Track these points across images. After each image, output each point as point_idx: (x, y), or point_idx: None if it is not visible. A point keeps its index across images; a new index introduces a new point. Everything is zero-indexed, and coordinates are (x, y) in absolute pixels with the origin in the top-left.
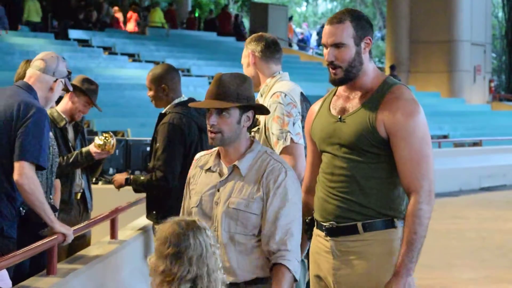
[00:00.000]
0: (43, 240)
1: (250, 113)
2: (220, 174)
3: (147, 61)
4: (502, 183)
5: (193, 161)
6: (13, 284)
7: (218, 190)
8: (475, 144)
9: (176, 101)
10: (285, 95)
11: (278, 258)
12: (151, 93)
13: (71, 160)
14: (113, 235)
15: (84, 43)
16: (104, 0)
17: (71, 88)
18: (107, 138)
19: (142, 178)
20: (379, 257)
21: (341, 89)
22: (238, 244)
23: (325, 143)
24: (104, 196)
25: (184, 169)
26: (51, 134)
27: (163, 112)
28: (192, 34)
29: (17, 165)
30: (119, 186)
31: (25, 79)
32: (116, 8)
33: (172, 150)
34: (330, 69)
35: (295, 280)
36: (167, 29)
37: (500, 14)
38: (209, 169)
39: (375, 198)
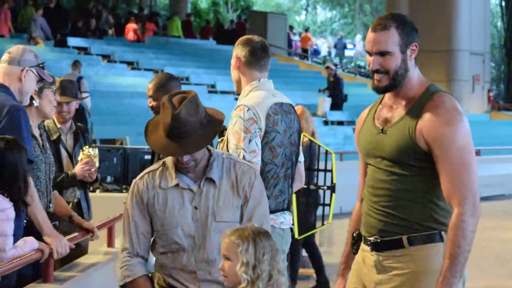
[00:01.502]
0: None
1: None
2: (191, 190)
3: (146, 69)
4: (501, 193)
5: (139, 183)
6: None
7: (196, 208)
8: None
9: None
10: (248, 109)
11: None
12: (154, 103)
13: (57, 180)
14: (110, 243)
15: (83, 50)
16: (102, 8)
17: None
18: (85, 152)
19: None
20: (423, 273)
21: (386, 97)
22: None
23: (369, 156)
24: (102, 204)
25: None
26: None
27: None
28: (191, 42)
29: None
30: None
31: None
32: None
33: None
34: (375, 76)
35: None
36: (167, 37)
37: (499, 23)
38: (176, 186)
39: (419, 211)
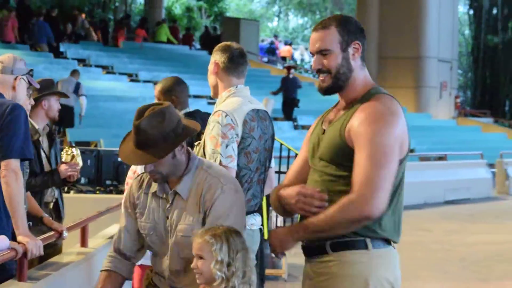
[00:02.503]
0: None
1: (183, 143)
2: (167, 200)
3: (120, 73)
4: (466, 197)
5: (134, 182)
6: None
7: (168, 218)
8: (440, 158)
9: (183, 112)
10: (226, 115)
11: None
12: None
13: (39, 182)
14: (84, 243)
15: (59, 55)
16: (78, 13)
17: (36, 85)
18: (67, 152)
19: None
20: (343, 278)
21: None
22: (189, 268)
23: (311, 157)
24: (75, 205)
25: None
26: None
27: None
28: (165, 47)
29: (3, 163)
30: None
31: None
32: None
33: None
34: (319, 77)
35: None
36: (141, 42)
37: (467, 31)
38: (155, 193)
39: None
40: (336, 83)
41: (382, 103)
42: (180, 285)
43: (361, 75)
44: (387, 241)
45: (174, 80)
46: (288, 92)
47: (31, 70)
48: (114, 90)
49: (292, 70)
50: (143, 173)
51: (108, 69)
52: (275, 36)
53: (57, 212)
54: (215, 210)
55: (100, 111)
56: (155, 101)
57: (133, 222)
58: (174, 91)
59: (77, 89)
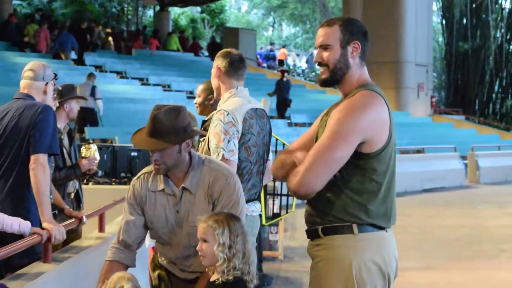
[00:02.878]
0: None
1: (189, 140)
2: (175, 196)
3: (132, 78)
4: (442, 185)
5: (135, 183)
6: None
7: (178, 212)
8: (418, 151)
9: None
10: (228, 114)
11: None
12: (199, 100)
13: (63, 176)
14: (101, 228)
15: (78, 62)
16: (95, 25)
17: (59, 87)
18: (87, 148)
19: None
20: (329, 262)
21: None
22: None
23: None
24: (94, 195)
25: None
26: None
27: (206, 119)
28: (172, 54)
29: (33, 157)
30: None
31: (20, 91)
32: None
33: None
34: (320, 69)
35: None
36: (153, 50)
37: (440, 39)
38: (162, 191)
39: (335, 204)
40: (333, 76)
41: (361, 97)
42: (190, 268)
43: (357, 73)
44: (376, 226)
45: None
46: (282, 93)
47: (56, 75)
48: (127, 93)
49: (286, 74)
50: (143, 173)
51: (121, 74)
52: (272, 44)
53: (77, 201)
54: (223, 199)
55: (115, 112)
56: (197, 97)
57: (139, 217)
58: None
59: (93, 92)
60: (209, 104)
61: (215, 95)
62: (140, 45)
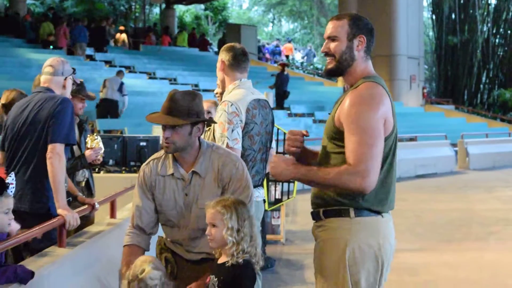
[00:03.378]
0: (52, 219)
1: (200, 125)
2: (184, 180)
3: (140, 72)
4: (434, 172)
5: (145, 168)
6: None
7: (186, 195)
8: (411, 139)
9: None
10: (231, 104)
11: None
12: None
13: (69, 166)
14: (113, 214)
15: (89, 57)
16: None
17: (78, 81)
18: (92, 139)
19: None
20: (326, 242)
21: None
22: (204, 235)
23: (323, 135)
24: (105, 183)
25: None
26: None
27: None
28: (178, 49)
29: (50, 147)
30: None
31: (41, 85)
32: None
33: None
34: (327, 60)
35: None
36: (160, 46)
37: (431, 33)
38: (172, 175)
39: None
40: (338, 67)
41: (366, 88)
42: (196, 249)
43: (362, 66)
44: (372, 211)
45: None
46: (282, 85)
47: (74, 69)
48: (135, 86)
49: (286, 67)
50: (153, 159)
51: (130, 69)
52: (278, 40)
53: (88, 190)
54: (233, 183)
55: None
56: (217, 89)
57: (150, 202)
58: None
59: (121, 88)
60: None
61: (220, 87)
62: (152, 42)
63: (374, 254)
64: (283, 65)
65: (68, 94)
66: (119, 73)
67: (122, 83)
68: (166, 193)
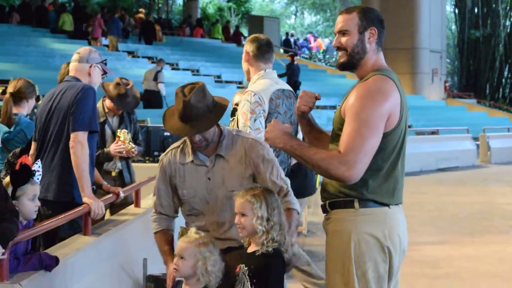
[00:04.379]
0: (78, 208)
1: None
2: (205, 165)
3: (165, 63)
4: (455, 165)
5: (163, 158)
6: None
7: (209, 179)
8: (433, 133)
9: None
10: (254, 94)
11: (289, 204)
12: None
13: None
14: (137, 203)
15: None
16: (124, 13)
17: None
18: (118, 134)
19: None
20: (332, 235)
21: None
22: (232, 220)
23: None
24: None
25: None
26: None
27: None
28: (201, 41)
29: (72, 135)
30: None
31: (69, 74)
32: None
33: None
34: (338, 54)
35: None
36: (181, 36)
37: (453, 27)
38: (192, 162)
39: None
40: (350, 60)
41: (374, 82)
42: (224, 235)
43: (373, 58)
44: (378, 202)
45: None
46: (293, 76)
47: (105, 59)
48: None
49: (295, 57)
50: (171, 149)
51: (153, 60)
52: (311, 33)
53: (121, 180)
54: (265, 164)
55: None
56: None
57: (170, 191)
58: None
59: (156, 76)
60: None
61: (245, 77)
62: (185, 33)
63: (380, 245)
64: (292, 56)
65: (94, 83)
66: (160, 61)
67: (158, 72)
68: (187, 181)
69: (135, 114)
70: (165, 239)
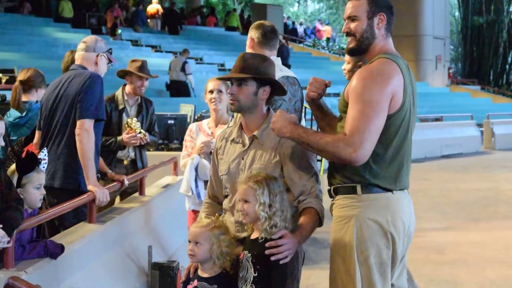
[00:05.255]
0: (82, 195)
1: (267, 88)
2: (243, 145)
3: (167, 51)
4: (459, 152)
5: (219, 135)
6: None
7: (243, 159)
8: (437, 119)
9: None
10: None
11: (307, 204)
12: (348, 66)
13: (106, 143)
14: (141, 191)
15: (115, 37)
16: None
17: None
18: (129, 123)
19: None
20: (335, 220)
21: None
22: None
23: None
24: None
25: None
26: None
27: None
28: (204, 29)
29: (78, 123)
30: None
31: (75, 63)
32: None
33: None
34: (348, 39)
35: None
36: (185, 25)
37: (457, 13)
38: (233, 140)
39: (344, 164)
40: (359, 46)
41: (377, 64)
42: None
43: (381, 43)
44: (381, 188)
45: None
46: (283, 59)
47: (111, 48)
48: (161, 65)
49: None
50: (228, 126)
51: (156, 48)
52: (319, 20)
53: (133, 168)
54: (292, 155)
55: (150, 83)
56: (345, 64)
57: (216, 169)
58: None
59: (183, 67)
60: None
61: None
62: (196, 23)
63: (382, 230)
64: (286, 39)
65: (101, 71)
66: (184, 51)
67: (185, 62)
68: (224, 156)
69: (153, 106)
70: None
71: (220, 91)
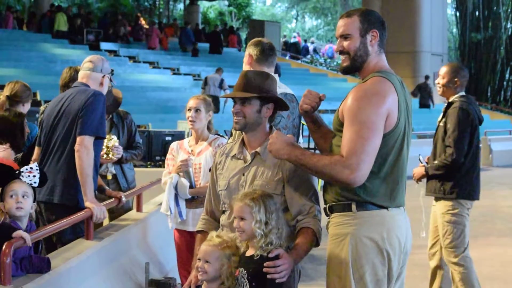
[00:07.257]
0: (79, 212)
1: (270, 105)
2: (244, 161)
3: (164, 68)
4: None
5: (218, 151)
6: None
7: (243, 175)
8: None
9: (461, 93)
10: None
11: (305, 224)
12: (443, 81)
13: None
14: (139, 208)
15: (113, 53)
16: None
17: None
18: (108, 138)
19: (435, 162)
20: (330, 238)
21: None
22: None
23: None
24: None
25: (470, 147)
26: None
27: (450, 100)
28: (201, 46)
29: (78, 139)
30: (419, 178)
31: (79, 80)
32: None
33: (462, 129)
34: (341, 58)
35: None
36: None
37: (455, 30)
38: (234, 156)
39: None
40: (353, 64)
41: (371, 83)
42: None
43: (374, 60)
44: (377, 205)
45: (460, 65)
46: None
47: (113, 70)
48: (159, 82)
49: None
50: (228, 142)
51: (154, 64)
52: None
53: (116, 183)
54: (294, 174)
55: (148, 99)
56: (439, 79)
57: (215, 185)
58: (459, 74)
59: (221, 84)
60: (453, 87)
61: None
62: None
63: (378, 248)
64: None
65: (103, 92)
66: (218, 70)
67: (222, 80)
68: (224, 172)
69: (129, 117)
70: (203, 240)
71: (198, 110)
